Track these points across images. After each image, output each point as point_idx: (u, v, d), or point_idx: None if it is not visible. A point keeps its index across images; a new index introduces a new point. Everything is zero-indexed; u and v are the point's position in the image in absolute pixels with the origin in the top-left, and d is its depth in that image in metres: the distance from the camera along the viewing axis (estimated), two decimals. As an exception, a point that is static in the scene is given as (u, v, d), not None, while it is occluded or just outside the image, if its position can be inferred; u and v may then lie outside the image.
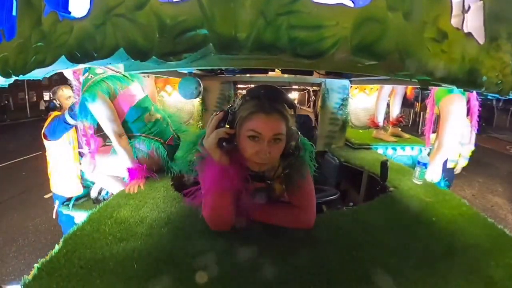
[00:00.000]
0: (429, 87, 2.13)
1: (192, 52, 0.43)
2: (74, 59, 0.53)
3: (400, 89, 2.58)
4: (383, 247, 0.87)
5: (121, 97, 1.41)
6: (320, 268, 0.76)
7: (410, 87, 2.55)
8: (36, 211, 3.33)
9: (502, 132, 10.59)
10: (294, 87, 3.03)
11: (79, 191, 2.01)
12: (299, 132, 0.87)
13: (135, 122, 1.46)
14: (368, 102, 2.81)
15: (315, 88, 2.62)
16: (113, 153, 1.44)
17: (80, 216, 1.76)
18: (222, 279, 0.71)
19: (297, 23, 0.42)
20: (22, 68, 0.62)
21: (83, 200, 1.74)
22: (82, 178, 1.78)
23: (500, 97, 0.70)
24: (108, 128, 1.36)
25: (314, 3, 0.43)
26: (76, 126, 1.96)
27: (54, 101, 2.13)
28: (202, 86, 1.40)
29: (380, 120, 2.61)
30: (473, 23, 0.59)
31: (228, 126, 0.79)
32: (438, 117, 2.15)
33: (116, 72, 1.41)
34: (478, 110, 2.09)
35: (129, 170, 1.35)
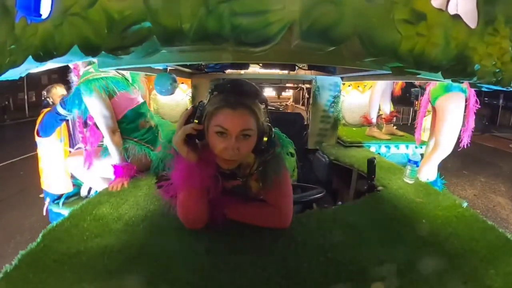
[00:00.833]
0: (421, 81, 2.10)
1: (138, 46, 0.44)
2: (39, 59, 0.55)
3: (387, 84, 2.55)
4: (363, 250, 0.83)
5: (118, 98, 1.42)
6: (290, 269, 0.74)
7: (400, 82, 2.53)
8: (32, 210, 3.40)
9: (506, 131, 10.44)
10: (288, 85, 3.02)
11: (69, 188, 2.03)
12: (272, 128, 0.86)
13: (129, 125, 1.48)
14: (361, 99, 2.79)
15: (307, 85, 2.61)
16: (103, 155, 1.45)
17: (70, 214, 1.76)
18: (190, 277, 0.71)
19: (239, 9, 0.40)
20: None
21: (74, 198, 1.76)
22: (72, 176, 1.81)
23: (498, 88, 0.64)
24: (102, 123, 1.36)
25: None
26: (67, 123, 1.99)
27: (48, 99, 2.16)
28: (177, 82, 1.40)
29: (373, 117, 2.58)
30: (465, 5, 0.53)
31: (196, 122, 0.78)
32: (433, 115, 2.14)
33: (118, 74, 1.43)
34: (475, 110, 2.06)
35: (115, 167, 1.36)
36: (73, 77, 1.50)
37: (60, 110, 1.78)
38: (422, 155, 2.04)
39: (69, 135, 2.14)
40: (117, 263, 0.74)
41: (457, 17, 0.51)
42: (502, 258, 0.79)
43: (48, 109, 2.01)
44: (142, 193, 1.21)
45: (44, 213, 2.07)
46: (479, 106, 2.00)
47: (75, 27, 0.48)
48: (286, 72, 2.32)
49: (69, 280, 0.68)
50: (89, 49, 0.46)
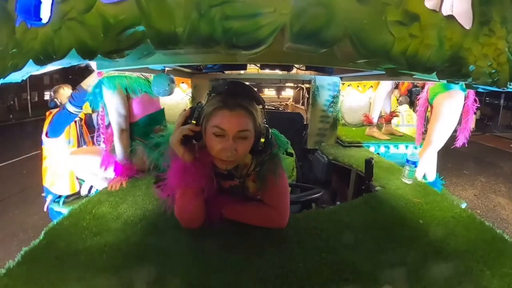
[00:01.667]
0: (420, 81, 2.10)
1: (132, 49, 0.45)
2: (39, 62, 0.56)
3: (391, 85, 2.55)
4: (358, 250, 0.84)
5: (139, 100, 1.46)
6: (285, 269, 0.75)
7: (405, 83, 2.53)
8: (35, 209, 3.45)
9: (506, 131, 10.38)
10: (288, 84, 3.03)
11: (74, 189, 2.04)
12: (269, 129, 0.86)
13: (144, 128, 1.51)
14: (361, 99, 2.79)
15: (307, 85, 2.61)
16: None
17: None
18: (186, 276, 0.72)
19: (231, 13, 0.41)
20: (2, 72, 0.66)
21: (74, 197, 1.78)
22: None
23: (494, 89, 0.63)
24: (115, 120, 1.39)
25: None
26: (76, 124, 2.01)
27: (55, 99, 2.18)
28: (175, 82, 1.41)
29: (375, 117, 2.58)
30: (460, 6, 0.52)
31: (194, 123, 0.79)
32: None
33: (142, 76, 1.46)
34: (474, 110, 2.05)
35: (116, 165, 1.37)
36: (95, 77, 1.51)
37: (70, 107, 1.80)
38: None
39: (78, 136, 2.17)
40: (115, 261, 0.76)
41: (451, 18, 0.51)
42: (498, 259, 0.79)
43: (57, 110, 2.02)
44: (141, 192, 1.22)
45: (45, 209, 2.09)
46: (478, 105, 2.00)
47: (73, 32, 0.50)
48: (285, 72, 2.32)
49: (69, 276, 0.70)
50: (86, 53, 0.48)
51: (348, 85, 2.68)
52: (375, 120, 2.56)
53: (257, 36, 0.42)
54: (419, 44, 0.49)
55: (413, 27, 0.48)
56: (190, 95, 2.37)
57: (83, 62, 0.59)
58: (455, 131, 2.05)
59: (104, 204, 1.10)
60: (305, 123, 2.52)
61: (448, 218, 1.04)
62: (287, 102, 4.30)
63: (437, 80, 0.74)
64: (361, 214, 1.08)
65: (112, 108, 1.39)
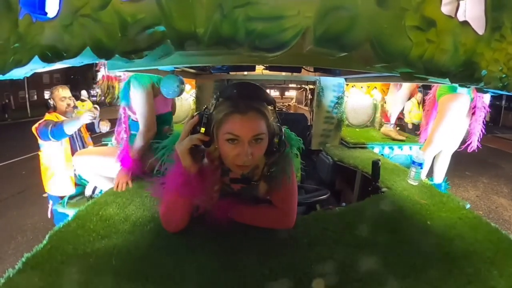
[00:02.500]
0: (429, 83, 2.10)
1: (152, 50, 0.43)
2: (46, 59, 0.55)
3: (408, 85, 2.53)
4: (368, 251, 0.83)
5: (157, 99, 1.47)
6: (297, 271, 0.74)
7: (414, 84, 2.52)
8: (35, 210, 3.40)
9: (508, 132, 10.41)
10: (291, 85, 3.02)
11: (71, 190, 2.06)
12: (282, 128, 0.84)
13: (157, 128, 1.49)
14: (365, 100, 2.78)
15: (311, 86, 2.61)
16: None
17: (74, 214, 1.77)
18: (198, 279, 0.71)
19: (255, 14, 0.40)
20: (2, 68, 0.64)
21: (78, 198, 1.76)
22: (76, 177, 1.81)
23: (504, 93, 0.64)
24: (144, 117, 1.39)
25: None
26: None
27: (50, 100, 2.17)
28: (184, 84, 1.41)
29: (394, 117, 2.53)
30: (473, 11, 0.53)
31: (203, 130, 0.75)
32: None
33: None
34: (485, 113, 2.05)
35: (128, 157, 1.37)
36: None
37: (50, 138, 1.91)
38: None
39: (70, 139, 2.18)
40: (125, 265, 0.74)
41: (465, 23, 0.51)
42: (505, 259, 0.80)
43: (48, 116, 2.09)
44: (148, 193, 1.20)
45: (49, 216, 2.09)
46: (489, 110, 2.01)
47: (87, 29, 0.48)
48: (289, 73, 2.32)
49: (77, 283, 0.68)
50: (102, 52, 0.46)
51: (352, 86, 2.68)
52: (392, 120, 2.52)
53: (281, 38, 0.41)
54: (435, 49, 0.50)
55: (430, 32, 0.49)
56: (194, 96, 2.36)
57: (96, 61, 0.58)
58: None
59: (111, 205, 1.08)
60: (308, 124, 2.51)
61: (455, 219, 1.04)
62: (289, 103, 4.30)
63: (449, 83, 0.74)
64: (370, 215, 1.08)
65: (141, 105, 1.39)
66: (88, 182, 1.73)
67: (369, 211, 1.12)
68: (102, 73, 1.60)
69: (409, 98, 3.17)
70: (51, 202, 2.03)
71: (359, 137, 2.42)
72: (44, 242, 0.83)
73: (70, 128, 2.00)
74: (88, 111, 2.04)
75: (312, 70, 2.14)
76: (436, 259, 0.80)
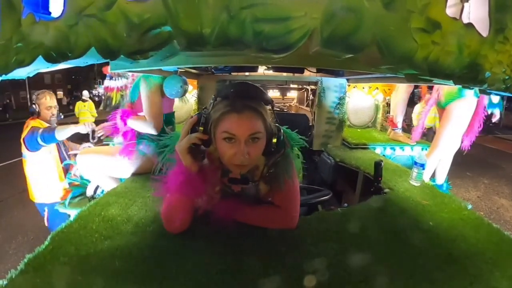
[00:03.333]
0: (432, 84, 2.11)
1: (158, 50, 0.43)
2: (51, 59, 0.54)
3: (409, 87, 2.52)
4: (372, 252, 0.83)
5: (164, 99, 1.48)
6: (302, 272, 0.74)
7: (424, 86, 2.51)
8: (36, 210, 3.38)
9: (509, 133, 10.40)
10: (292, 86, 3.02)
11: (60, 195, 2.11)
12: (280, 128, 0.84)
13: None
14: (366, 101, 2.78)
15: (312, 86, 2.61)
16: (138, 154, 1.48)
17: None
18: (201, 280, 0.70)
19: (262, 15, 0.40)
20: (4, 68, 0.64)
21: (79, 198, 1.76)
22: (77, 177, 1.82)
23: (507, 95, 0.65)
24: (152, 117, 1.40)
25: None
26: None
27: (34, 105, 2.14)
28: (188, 84, 1.41)
29: (399, 120, 2.53)
30: (477, 14, 0.54)
31: (202, 129, 0.76)
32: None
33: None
34: (484, 116, 2.05)
35: (130, 131, 1.41)
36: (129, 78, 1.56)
37: (40, 141, 1.93)
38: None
39: (57, 145, 2.21)
40: (128, 266, 0.74)
41: (470, 25, 0.52)
42: (508, 260, 0.80)
43: (33, 123, 2.08)
44: (150, 194, 1.20)
45: (46, 223, 2.10)
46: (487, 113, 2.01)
47: (92, 29, 0.48)
48: (291, 74, 2.32)
49: (80, 284, 0.67)
50: (108, 52, 0.46)
51: (354, 87, 2.68)
52: (399, 125, 2.51)
53: (288, 39, 0.42)
54: (440, 51, 0.50)
55: (435, 34, 0.49)
56: (196, 96, 2.36)
57: (101, 62, 0.57)
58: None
59: (113, 206, 1.08)
60: (310, 124, 2.51)
61: (457, 220, 1.04)
62: (290, 103, 4.30)
63: (452, 85, 0.74)
64: (372, 216, 1.08)
65: (149, 105, 1.40)
66: (89, 182, 1.73)
67: (371, 212, 1.12)
68: (106, 84, 1.63)
69: (419, 101, 3.15)
70: (46, 210, 2.06)
71: (361, 137, 2.42)
72: (46, 242, 0.83)
73: (62, 135, 2.03)
74: (86, 123, 2.07)
75: (314, 70, 2.14)
76: (439, 260, 0.80)
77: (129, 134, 1.50)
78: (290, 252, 0.83)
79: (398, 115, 2.53)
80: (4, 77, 0.69)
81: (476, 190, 4.78)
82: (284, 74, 2.31)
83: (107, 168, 1.50)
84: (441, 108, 2.05)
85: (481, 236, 0.92)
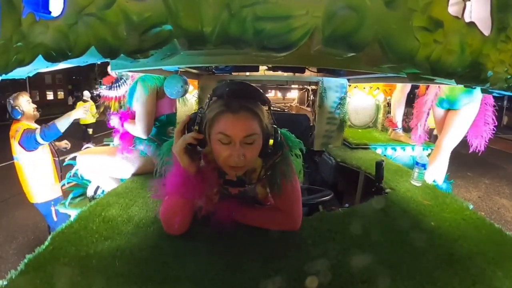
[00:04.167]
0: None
1: (158, 49, 0.43)
2: (50, 58, 0.54)
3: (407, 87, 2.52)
4: (373, 253, 0.83)
5: (163, 100, 1.50)
6: (303, 273, 0.73)
7: (422, 86, 2.51)
8: (36, 210, 3.39)
9: (510, 133, 10.38)
10: (293, 86, 3.02)
11: (58, 193, 2.20)
12: (278, 129, 0.82)
13: (159, 128, 1.53)
14: (367, 101, 2.78)
15: (313, 87, 2.60)
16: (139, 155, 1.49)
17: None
18: (202, 281, 0.70)
19: (263, 14, 0.40)
20: (4, 67, 0.64)
21: (80, 198, 1.76)
22: (77, 176, 1.82)
23: (509, 94, 0.65)
24: (143, 118, 1.41)
25: None
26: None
27: (17, 108, 2.17)
28: (188, 84, 1.41)
29: (399, 120, 2.53)
30: (479, 13, 0.54)
31: (196, 129, 0.75)
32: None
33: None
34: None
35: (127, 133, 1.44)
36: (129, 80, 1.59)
37: (39, 140, 1.99)
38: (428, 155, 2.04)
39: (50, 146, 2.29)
40: (129, 266, 0.73)
41: (472, 24, 0.51)
42: (510, 260, 0.80)
43: (25, 125, 2.15)
44: (151, 194, 1.19)
45: (55, 218, 2.12)
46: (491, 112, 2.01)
47: (92, 28, 0.48)
48: (291, 74, 2.31)
49: (80, 285, 0.67)
50: (108, 52, 0.46)
51: (355, 87, 2.67)
52: (399, 124, 2.51)
53: (289, 38, 0.41)
54: (442, 50, 0.50)
55: (437, 33, 0.49)
56: (197, 96, 2.35)
57: (101, 61, 0.57)
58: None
59: (113, 206, 1.07)
60: (311, 124, 2.51)
61: (458, 220, 1.04)
62: (291, 104, 4.29)
63: (454, 84, 0.74)
64: (374, 216, 1.07)
65: (142, 105, 1.41)
66: (89, 182, 1.73)
67: (372, 212, 1.11)
68: (104, 93, 1.65)
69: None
70: (53, 206, 2.09)
71: (362, 138, 2.41)
72: (46, 243, 0.82)
73: (64, 124, 2.08)
74: (82, 107, 2.13)
75: (315, 70, 2.14)
76: (441, 260, 0.80)
77: (126, 135, 1.51)
78: (291, 252, 0.82)
79: (396, 115, 2.52)
80: (4, 76, 0.69)
81: (477, 190, 4.77)
82: (285, 74, 2.31)
83: (108, 169, 1.50)
84: (451, 109, 2.01)
85: (483, 236, 0.92)
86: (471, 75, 0.54)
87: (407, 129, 2.60)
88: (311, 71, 2.12)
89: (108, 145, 1.96)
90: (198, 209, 0.89)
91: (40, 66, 0.63)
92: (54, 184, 2.31)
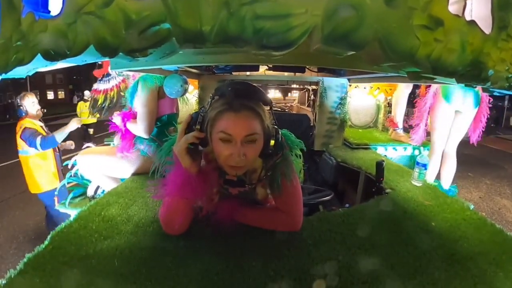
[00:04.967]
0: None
1: (157, 47, 0.43)
2: (49, 57, 0.54)
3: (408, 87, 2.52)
4: (374, 253, 0.83)
5: (164, 100, 1.50)
6: (302, 272, 0.73)
7: (423, 86, 2.51)
8: (37, 210, 3.38)
9: (511, 133, 10.36)
10: (294, 86, 3.02)
11: (56, 183, 2.37)
12: (279, 130, 0.82)
13: (160, 128, 1.53)
14: (368, 101, 2.77)
15: (313, 87, 2.60)
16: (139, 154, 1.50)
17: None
18: (202, 281, 0.70)
19: (262, 12, 0.40)
20: (4, 67, 0.64)
21: (80, 198, 1.76)
22: (77, 176, 1.82)
23: (510, 93, 0.65)
24: (144, 118, 1.41)
25: None
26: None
27: (21, 107, 2.44)
28: (188, 83, 1.41)
29: (400, 120, 2.52)
30: (480, 11, 0.53)
31: (198, 128, 0.74)
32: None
33: None
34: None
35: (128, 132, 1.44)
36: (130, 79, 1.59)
37: (38, 147, 2.24)
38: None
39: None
40: (128, 266, 0.73)
41: (472, 23, 0.51)
42: (511, 261, 0.79)
43: (29, 121, 2.39)
44: (151, 194, 1.19)
45: (56, 205, 2.18)
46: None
47: (91, 27, 0.48)
48: (292, 73, 2.32)
49: (79, 284, 0.67)
50: (106, 50, 0.45)
51: (355, 87, 2.67)
52: (400, 124, 2.51)
53: (288, 36, 0.41)
54: (443, 48, 0.50)
55: (437, 31, 0.49)
56: (197, 96, 2.35)
57: (100, 60, 0.57)
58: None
59: (113, 206, 1.07)
60: (311, 124, 2.51)
61: (459, 220, 1.03)
62: (292, 104, 4.29)
63: (455, 84, 0.74)
64: (374, 217, 1.07)
65: (143, 105, 1.41)
66: (89, 182, 1.73)
67: (373, 212, 1.11)
68: (94, 86, 1.66)
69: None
70: (56, 198, 2.16)
71: (362, 138, 2.41)
72: (46, 242, 0.82)
73: (60, 137, 2.37)
74: (75, 119, 2.40)
75: (315, 70, 2.14)
76: (441, 260, 0.80)
77: (127, 135, 1.51)
78: (291, 252, 0.82)
79: (397, 115, 2.52)
80: (3, 75, 0.69)
81: (478, 190, 4.75)
82: (286, 74, 2.31)
83: (108, 168, 1.50)
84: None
85: (484, 236, 0.92)
86: (471, 74, 0.54)
87: (407, 130, 2.60)
88: (311, 70, 2.11)
89: (109, 145, 1.96)
90: (198, 209, 0.89)
91: (39, 65, 0.63)
92: (54, 172, 2.52)
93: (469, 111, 1.97)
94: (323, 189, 1.45)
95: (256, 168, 0.87)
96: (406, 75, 0.63)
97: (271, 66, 1.97)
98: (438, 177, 2.23)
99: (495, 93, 0.76)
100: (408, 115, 2.73)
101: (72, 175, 1.82)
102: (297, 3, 0.41)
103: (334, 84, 2.20)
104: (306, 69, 2.12)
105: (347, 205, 1.56)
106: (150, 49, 0.43)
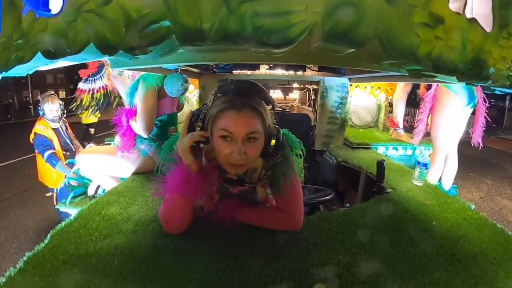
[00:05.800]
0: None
1: (157, 45, 0.43)
2: (49, 56, 0.54)
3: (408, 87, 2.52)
4: (374, 252, 0.82)
5: (165, 100, 1.50)
6: (302, 272, 0.73)
7: (422, 85, 2.51)
8: (38, 209, 3.39)
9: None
10: (294, 86, 3.02)
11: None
12: (280, 130, 0.82)
13: (161, 128, 1.53)
14: (368, 100, 2.77)
15: (314, 86, 2.60)
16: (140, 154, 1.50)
17: (77, 214, 1.80)
18: (202, 280, 0.70)
19: (262, 10, 0.39)
20: (4, 65, 0.64)
21: (81, 197, 1.76)
22: (78, 175, 1.82)
23: (511, 92, 0.65)
24: (144, 117, 1.41)
25: None
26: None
27: (39, 108, 2.53)
28: (188, 82, 1.41)
29: (400, 120, 2.52)
30: (480, 9, 0.53)
31: (200, 125, 0.74)
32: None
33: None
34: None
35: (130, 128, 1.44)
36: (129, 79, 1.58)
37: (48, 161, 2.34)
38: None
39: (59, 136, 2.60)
40: (128, 265, 0.73)
41: (473, 20, 0.51)
42: None
43: (38, 128, 2.50)
44: (151, 193, 1.19)
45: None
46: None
47: (91, 25, 0.48)
48: (293, 73, 2.31)
49: (79, 283, 0.67)
50: (106, 48, 0.46)
51: (356, 86, 2.66)
52: (400, 124, 2.50)
53: (289, 34, 0.41)
54: (443, 46, 0.49)
55: (438, 29, 0.48)
56: (198, 95, 2.35)
57: (100, 58, 0.57)
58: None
59: (113, 205, 1.07)
60: (312, 124, 2.51)
61: (460, 220, 1.03)
62: (293, 104, 4.29)
63: (455, 82, 0.74)
64: (375, 216, 1.07)
65: (144, 104, 1.41)
66: (90, 181, 1.73)
67: (374, 212, 1.11)
68: (79, 86, 1.65)
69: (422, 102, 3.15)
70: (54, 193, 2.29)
71: (363, 137, 2.41)
72: (46, 241, 0.82)
73: (61, 170, 2.43)
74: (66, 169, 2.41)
75: (316, 69, 2.14)
76: (442, 260, 0.80)
77: (128, 134, 1.51)
78: (291, 252, 0.82)
79: (397, 114, 2.52)
80: (4, 74, 0.70)
81: (478, 191, 4.74)
82: (286, 73, 2.31)
83: (108, 168, 1.50)
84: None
85: (485, 236, 0.91)
86: (472, 72, 0.53)
87: (408, 129, 2.59)
88: (312, 70, 2.11)
89: (110, 144, 1.96)
90: (199, 208, 0.89)
91: (40, 63, 0.63)
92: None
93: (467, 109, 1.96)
94: (323, 188, 1.45)
95: (257, 168, 0.86)
96: (407, 74, 0.63)
97: (271, 65, 1.97)
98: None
99: (496, 92, 0.76)
100: (409, 115, 2.73)
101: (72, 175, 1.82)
102: (297, 0, 0.41)
103: (335, 83, 2.19)
104: (307, 69, 2.12)
105: (347, 204, 1.56)
106: (150, 46, 0.43)
